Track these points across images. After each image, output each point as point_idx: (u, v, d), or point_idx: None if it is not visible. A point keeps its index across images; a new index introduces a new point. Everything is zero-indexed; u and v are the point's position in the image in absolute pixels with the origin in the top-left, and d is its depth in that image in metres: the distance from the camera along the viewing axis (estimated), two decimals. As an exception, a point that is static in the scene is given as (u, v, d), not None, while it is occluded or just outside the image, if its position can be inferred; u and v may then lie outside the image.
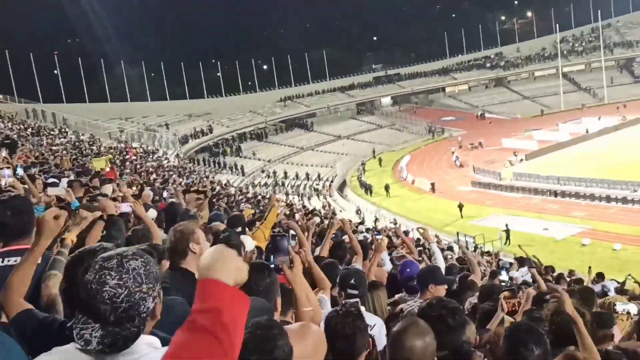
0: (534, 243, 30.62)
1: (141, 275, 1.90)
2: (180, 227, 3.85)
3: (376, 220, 37.82)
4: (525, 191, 41.87)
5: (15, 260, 3.03)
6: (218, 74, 79.97)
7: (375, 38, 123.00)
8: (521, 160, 50.59)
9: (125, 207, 5.36)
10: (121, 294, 1.86)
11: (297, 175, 56.13)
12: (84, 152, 26.87)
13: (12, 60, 58.12)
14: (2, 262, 3.15)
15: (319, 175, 56.29)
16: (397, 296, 5.47)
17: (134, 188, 12.27)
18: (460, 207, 39.01)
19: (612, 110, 65.82)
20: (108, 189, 8.76)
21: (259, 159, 61.37)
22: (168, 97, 70.61)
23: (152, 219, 5.63)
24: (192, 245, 3.72)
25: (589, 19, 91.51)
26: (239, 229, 6.90)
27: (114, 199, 6.38)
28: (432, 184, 47.21)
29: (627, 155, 45.60)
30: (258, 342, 2.17)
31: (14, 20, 79.87)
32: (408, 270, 5.60)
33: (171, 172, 28.31)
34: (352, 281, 4.49)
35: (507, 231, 32.05)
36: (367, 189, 49.88)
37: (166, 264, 3.88)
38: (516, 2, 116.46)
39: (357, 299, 4.39)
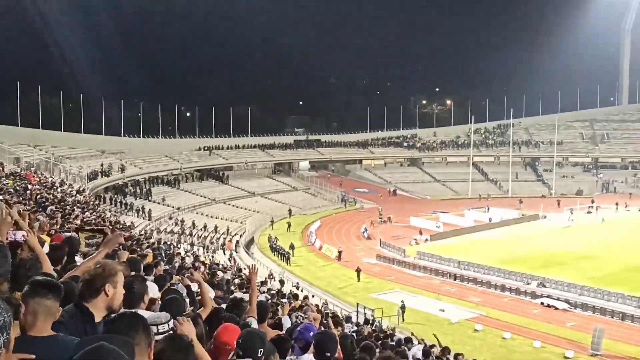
0: (429, 323, 31.28)
1: None
2: (105, 263, 3.66)
3: (281, 282, 37.51)
4: (427, 271, 42.86)
5: None
6: (138, 114, 78.28)
7: (300, 102, 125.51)
8: (426, 240, 52.00)
9: (18, 236, 5.08)
10: None
11: (205, 227, 55.12)
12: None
13: None
14: None
15: (227, 229, 55.51)
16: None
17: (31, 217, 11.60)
18: (358, 271, 40.42)
19: (514, 203, 69.33)
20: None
21: (168, 205, 59.95)
22: (83, 130, 68.26)
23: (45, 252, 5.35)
24: (109, 286, 3.50)
25: (502, 115, 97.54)
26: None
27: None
28: (340, 252, 47.65)
29: (524, 248, 47.93)
30: None
31: None
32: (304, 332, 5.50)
33: (74, 207, 27.07)
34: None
35: (403, 308, 32.60)
36: (284, 255, 47.94)
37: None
38: (437, 89, 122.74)
39: None
